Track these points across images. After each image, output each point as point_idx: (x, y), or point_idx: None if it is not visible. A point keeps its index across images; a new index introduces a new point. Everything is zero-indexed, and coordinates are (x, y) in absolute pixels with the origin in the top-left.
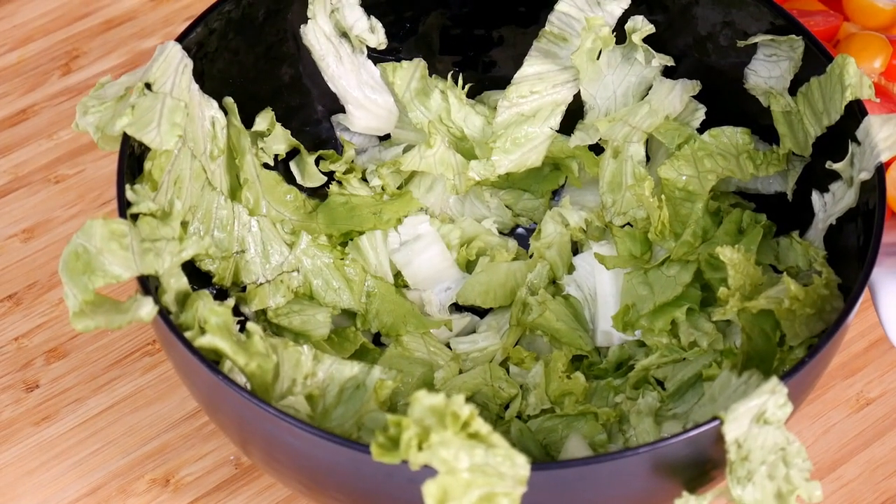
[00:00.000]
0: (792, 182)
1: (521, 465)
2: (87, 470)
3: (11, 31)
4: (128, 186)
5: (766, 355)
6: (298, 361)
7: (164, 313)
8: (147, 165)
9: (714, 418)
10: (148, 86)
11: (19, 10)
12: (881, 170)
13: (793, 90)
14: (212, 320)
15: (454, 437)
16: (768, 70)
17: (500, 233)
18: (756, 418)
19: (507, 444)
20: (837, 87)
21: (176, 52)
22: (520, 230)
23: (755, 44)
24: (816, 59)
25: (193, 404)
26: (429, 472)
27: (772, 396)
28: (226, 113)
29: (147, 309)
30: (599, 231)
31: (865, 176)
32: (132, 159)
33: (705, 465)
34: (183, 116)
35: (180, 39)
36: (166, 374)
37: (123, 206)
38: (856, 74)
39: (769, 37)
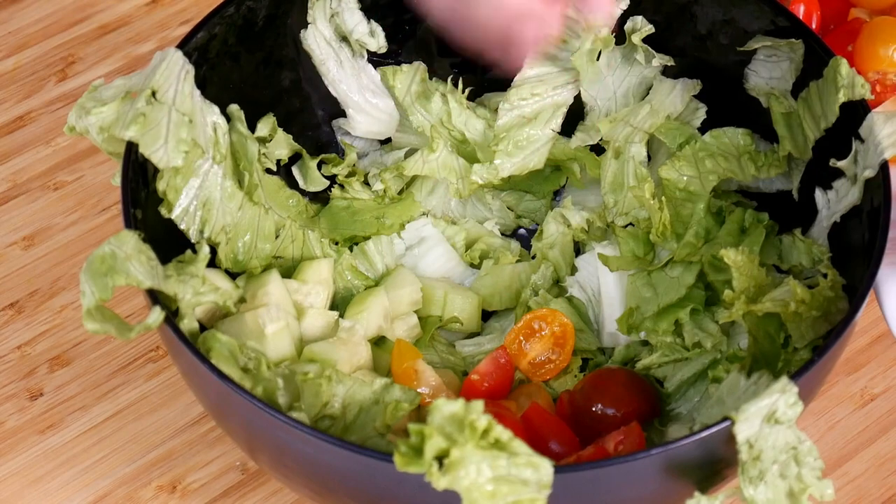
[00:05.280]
0: (796, 180)
1: (544, 470)
2: (93, 478)
3: (6, 38)
4: None
5: (770, 357)
6: (318, 392)
7: (170, 320)
8: (160, 186)
9: (725, 419)
10: (152, 93)
11: (14, 16)
12: (885, 167)
13: (796, 94)
14: (216, 348)
15: (475, 449)
16: (769, 71)
17: (503, 234)
18: (767, 418)
19: (529, 449)
20: (832, 89)
21: (177, 59)
22: (521, 231)
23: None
24: (820, 60)
25: (198, 410)
26: None
27: (782, 396)
28: (228, 119)
29: (154, 316)
30: (601, 231)
31: (870, 173)
32: (136, 166)
33: (717, 465)
34: (188, 131)
35: (181, 45)
36: (170, 380)
37: (129, 216)
38: (848, 75)
39: (768, 41)
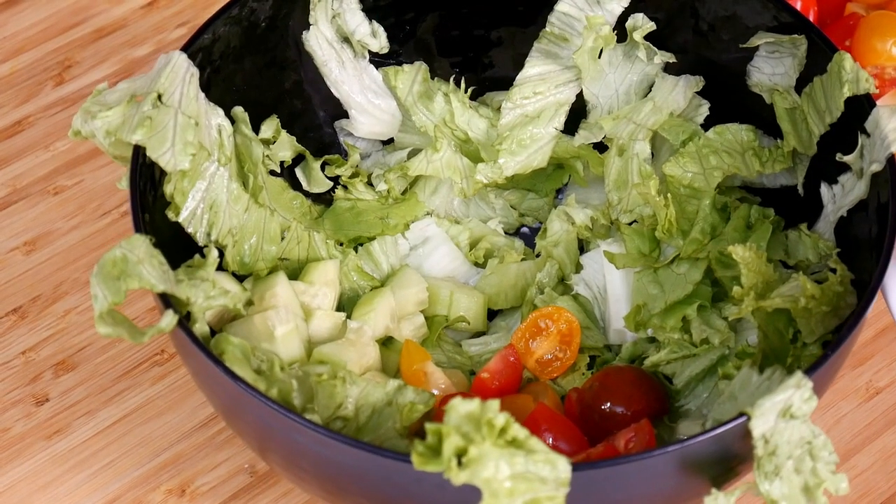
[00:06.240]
0: (801, 176)
1: (562, 467)
2: (102, 482)
3: (2, 42)
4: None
5: (780, 352)
6: (332, 393)
7: (183, 322)
8: (168, 189)
9: (741, 414)
10: (158, 97)
11: (9, 20)
12: (893, 161)
13: (800, 90)
14: (229, 350)
15: (493, 447)
16: (772, 67)
17: (506, 233)
18: (782, 413)
19: (546, 447)
20: (836, 83)
21: (182, 62)
22: (524, 230)
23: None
24: (823, 55)
25: (205, 413)
26: None
27: (797, 391)
28: (232, 121)
29: (167, 320)
30: (605, 229)
31: (877, 168)
32: (144, 169)
33: (732, 461)
34: (194, 134)
35: (185, 48)
36: (176, 383)
37: (139, 220)
38: (852, 70)
39: (771, 38)
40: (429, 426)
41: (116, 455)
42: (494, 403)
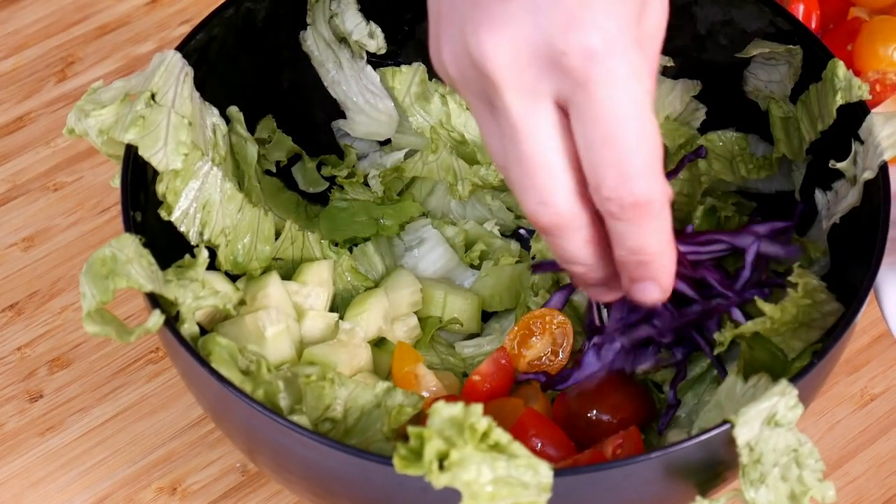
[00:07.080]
0: (799, 181)
1: (543, 473)
2: (93, 480)
3: (6, 38)
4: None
5: (773, 368)
6: (321, 395)
7: (170, 322)
8: (160, 188)
9: (725, 422)
10: (152, 96)
11: (13, 16)
12: (885, 168)
13: (797, 96)
14: (216, 351)
15: (474, 451)
16: (767, 74)
17: (502, 234)
18: (767, 421)
19: (528, 452)
20: (830, 91)
21: (176, 61)
22: (521, 231)
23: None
24: (819, 62)
25: (198, 412)
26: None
27: (782, 398)
28: (227, 121)
29: (154, 320)
30: None
31: (869, 175)
32: (135, 169)
33: (717, 467)
34: (188, 134)
35: (180, 47)
36: (170, 382)
37: (129, 219)
38: (845, 77)
39: (766, 47)
40: (411, 429)
41: (108, 453)
42: (477, 407)
